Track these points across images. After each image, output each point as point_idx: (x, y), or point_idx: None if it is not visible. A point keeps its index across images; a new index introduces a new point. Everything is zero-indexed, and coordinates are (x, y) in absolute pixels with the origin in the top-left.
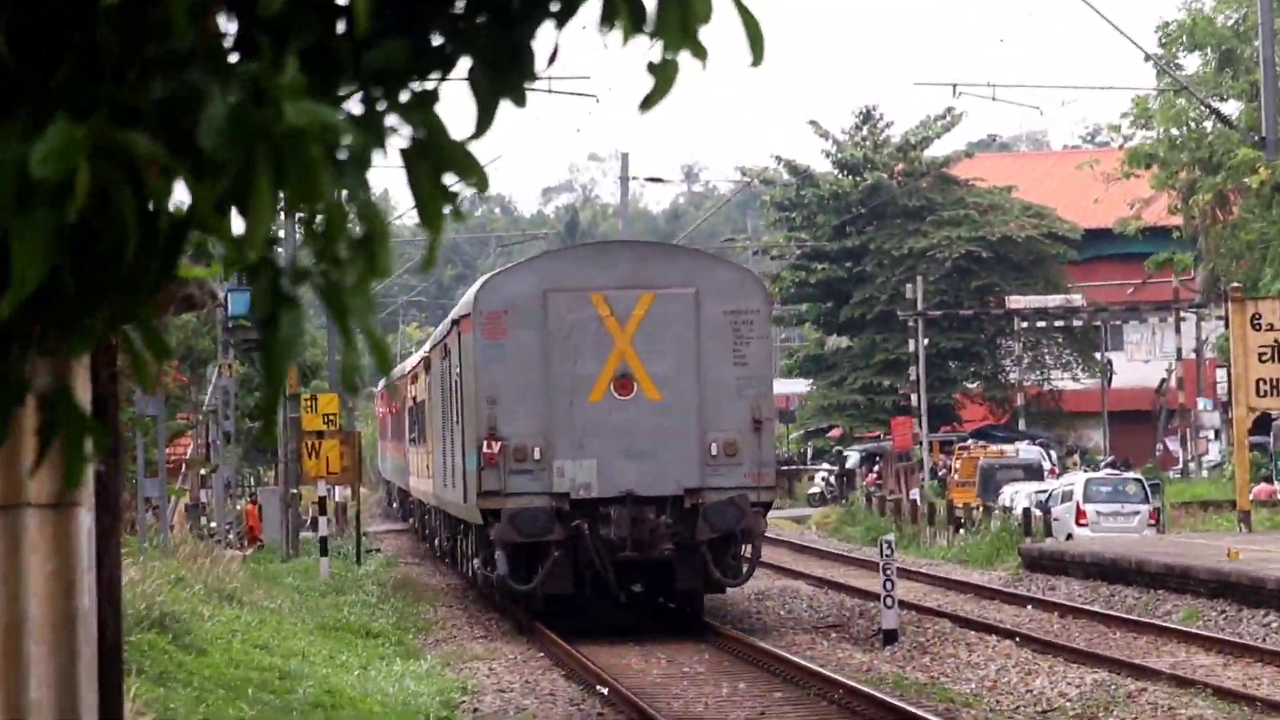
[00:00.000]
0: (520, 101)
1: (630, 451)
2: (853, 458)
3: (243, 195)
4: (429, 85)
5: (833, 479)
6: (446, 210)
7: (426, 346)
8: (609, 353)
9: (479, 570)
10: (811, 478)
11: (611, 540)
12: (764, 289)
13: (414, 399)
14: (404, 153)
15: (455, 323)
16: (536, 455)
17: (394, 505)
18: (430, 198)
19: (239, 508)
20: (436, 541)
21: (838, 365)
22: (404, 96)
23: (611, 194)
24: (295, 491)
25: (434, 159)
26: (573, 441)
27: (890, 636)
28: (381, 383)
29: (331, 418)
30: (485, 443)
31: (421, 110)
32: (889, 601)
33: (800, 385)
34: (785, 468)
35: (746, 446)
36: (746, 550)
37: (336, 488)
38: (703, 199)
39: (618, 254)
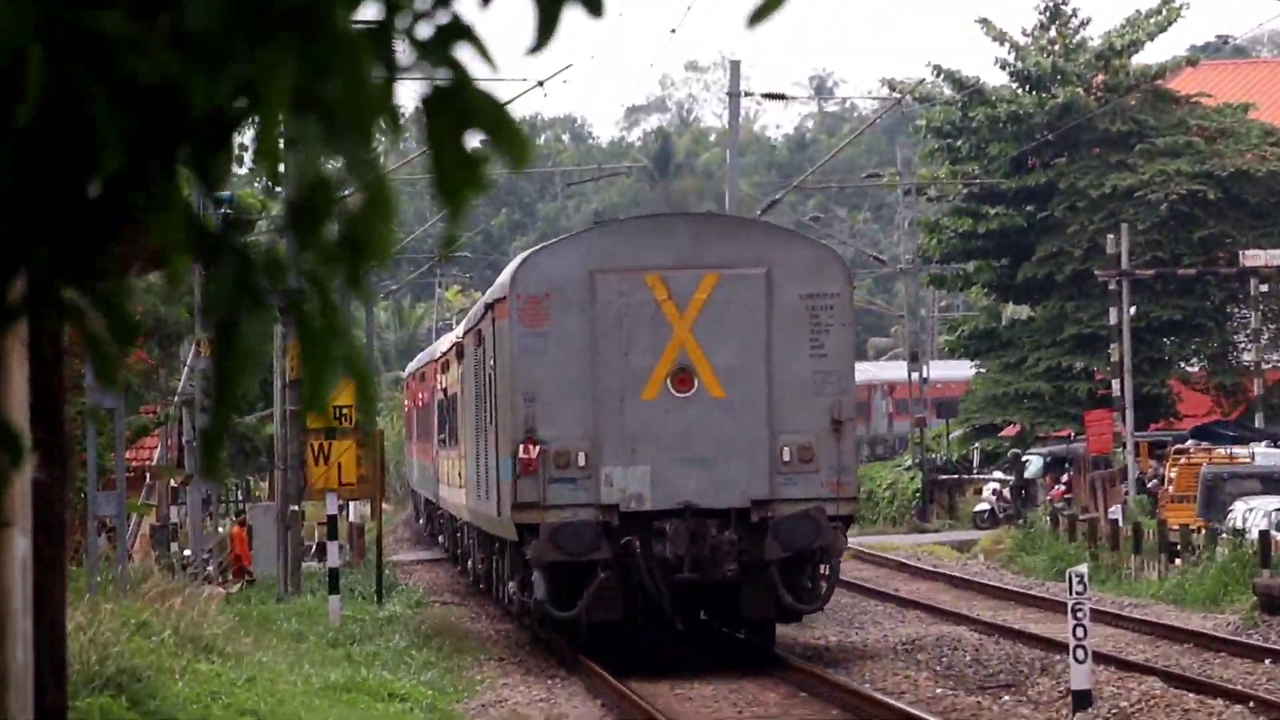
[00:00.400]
0: (596, 8)
1: (689, 457)
2: (1033, 464)
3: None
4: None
5: (1006, 492)
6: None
7: (460, 329)
8: (666, 343)
9: (515, 595)
10: (978, 491)
11: (667, 559)
12: (846, 269)
13: (445, 391)
14: (425, 102)
15: (489, 307)
16: (581, 461)
17: (424, 524)
18: (451, 162)
19: (222, 530)
20: (470, 564)
21: (1014, 342)
22: (423, 29)
23: (716, 115)
24: (296, 509)
25: (457, 112)
26: (623, 445)
27: (1082, 700)
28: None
29: (345, 412)
30: (522, 447)
31: (448, 44)
32: (1080, 654)
33: (963, 369)
34: (942, 477)
35: (824, 451)
36: (825, 570)
37: (352, 504)
38: (837, 122)
39: (676, 227)
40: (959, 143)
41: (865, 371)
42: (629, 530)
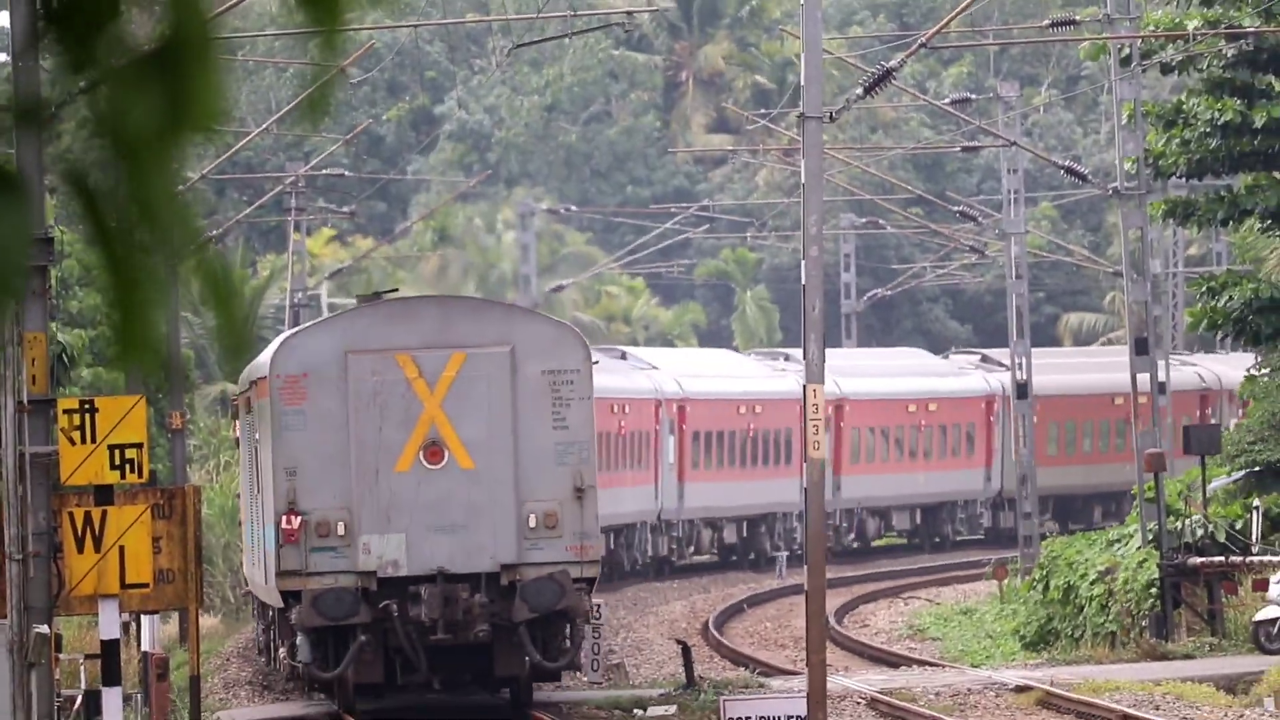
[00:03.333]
0: None
1: (442, 525)
2: None
3: None
4: None
5: None
6: None
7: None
8: (417, 418)
9: (285, 659)
10: (1263, 585)
11: (422, 622)
12: (585, 346)
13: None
14: None
15: (253, 384)
16: (340, 531)
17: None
18: None
19: None
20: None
21: None
22: None
23: None
24: (45, 632)
25: None
26: (379, 515)
27: None
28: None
29: (133, 458)
30: (284, 518)
31: None
32: None
33: (1230, 365)
34: (1195, 562)
35: (568, 517)
36: (569, 631)
37: (146, 621)
38: None
39: (425, 310)
40: None
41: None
42: (386, 595)
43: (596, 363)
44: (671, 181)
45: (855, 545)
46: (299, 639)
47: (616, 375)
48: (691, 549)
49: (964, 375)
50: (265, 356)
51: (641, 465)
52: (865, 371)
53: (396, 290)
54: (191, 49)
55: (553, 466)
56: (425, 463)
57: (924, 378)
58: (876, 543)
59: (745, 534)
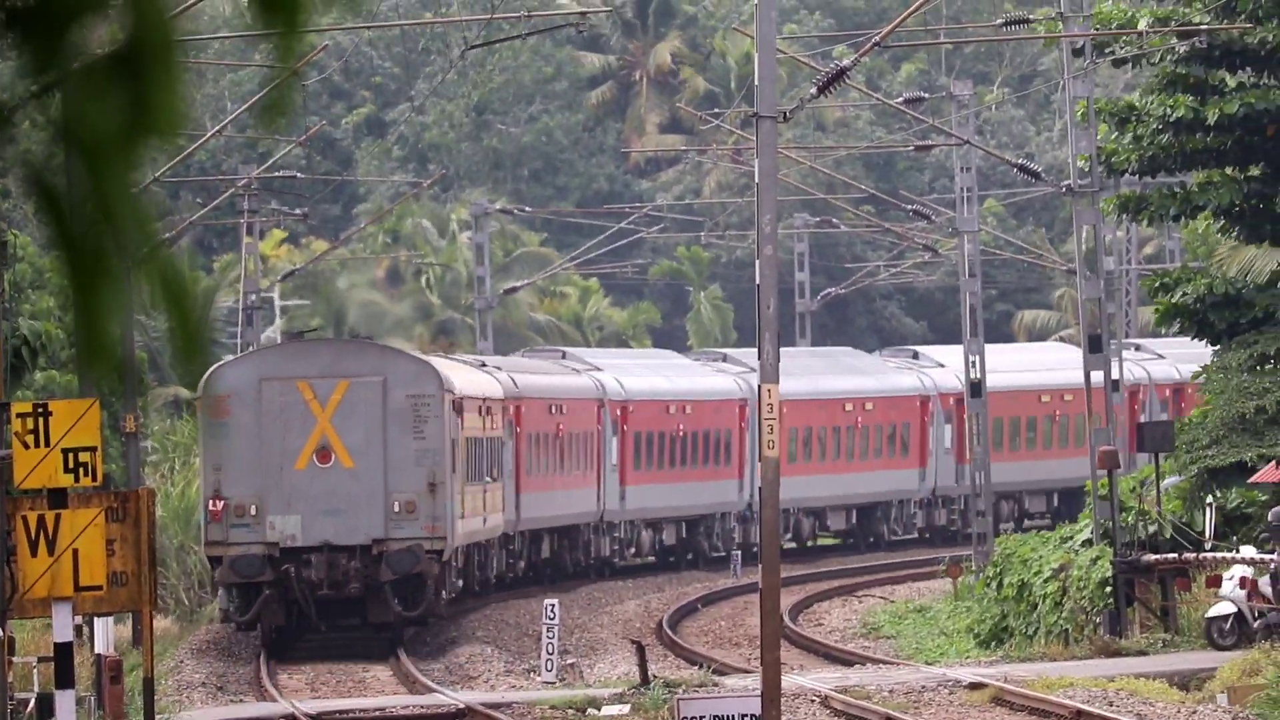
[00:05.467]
0: None
1: (329, 509)
2: None
3: None
4: None
5: (1267, 583)
6: None
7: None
8: (312, 429)
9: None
10: (1215, 581)
11: (313, 581)
12: (440, 376)
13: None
14: None
15: (195, 399)
16: (253, 512)
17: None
18: None
19: None
20: None
21: (1273, 316)
22: None
23: None
24: None
25: None
26: (282, 500)
27: None
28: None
29: (87, 461)
30: (210, 501)
31: None
32: None
33: (1180, 361)
34: (1149, 560)
35: (423, 505)
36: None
37: (100, 623)
38: None
39: (319, 349)
40: None
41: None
42: (286, 560)
43: (489, 367)
44: (609, 180)
45: (792, 546)
46: (220, 592)
47: (554, 376)
48: (632, 550)
49: (899, 374)
50: (201, 380)
51: (584, 467)
52: (801, 371)
53: (316, 330)
54: (153, 53)
55: (412, 467)
56: (317, 462)
57: (860, 377)
58: (811, 543)
59: (685, 535)
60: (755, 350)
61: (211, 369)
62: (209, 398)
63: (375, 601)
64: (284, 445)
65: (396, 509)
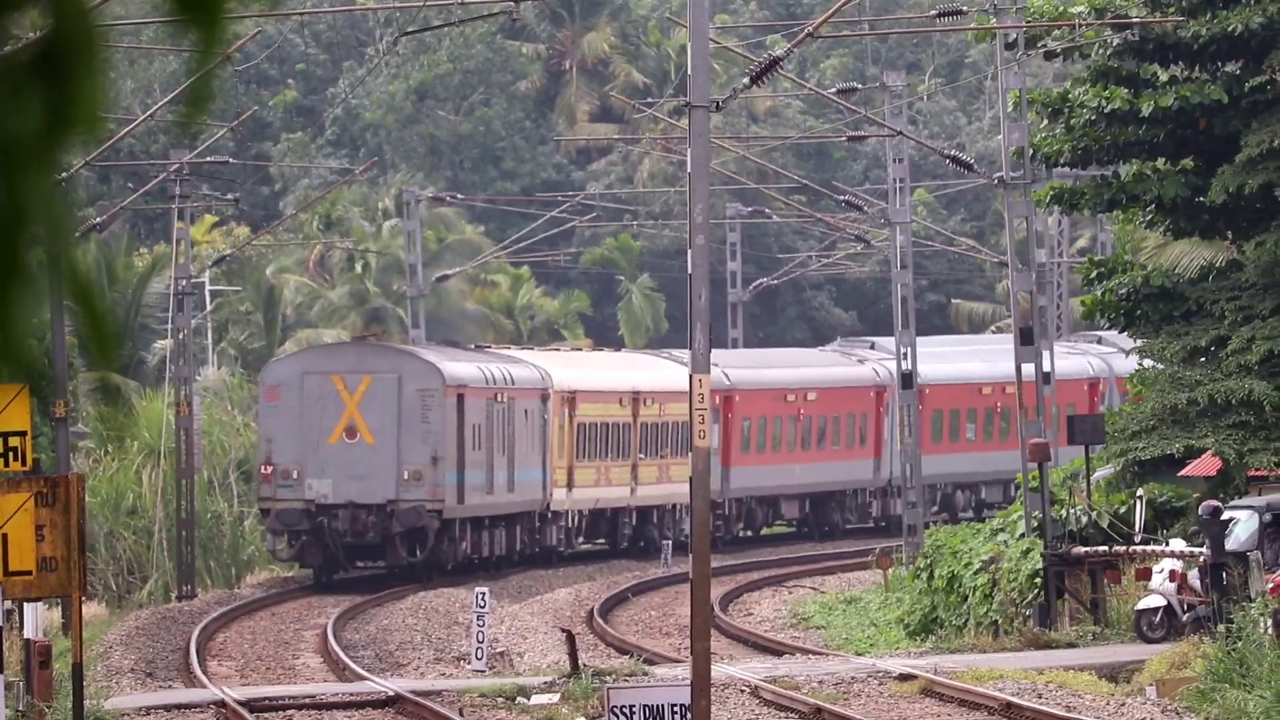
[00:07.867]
0: None
1: (354, 475)
2: (1242, 526)
3: None
4: None
5: (1195, 576)
6: None
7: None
8: (343, 413)
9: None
10: (1144, 574)
11: (340, 530)
12: (442, 374)
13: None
14: None
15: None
16: (295, 475)
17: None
18: None
19: None
20: None
21: (1207, 310)
22: None
23: None
24: None
25: None
26: (318, 467)
27: None
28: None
29: (16, 446)
30: (264, 466)
31: None
32: None
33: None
34: (1079, 552)
35: (428, 474)
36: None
37: (29, 609)
38: None
39: (350, 349)
40: None
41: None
42: (320, 514)
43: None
44: (554, 169)
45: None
46: (269, 537)
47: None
48: (581, 539)
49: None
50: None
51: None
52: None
53: (379, 334)
54: (73, 49)
55: (420, 444)
56: (346, 439)
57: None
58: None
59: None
60: (893, 340)
61: (269, 364)
62: (264, 386)
63: (390, 548)
64: (320, 424)
65: (406, 477)
